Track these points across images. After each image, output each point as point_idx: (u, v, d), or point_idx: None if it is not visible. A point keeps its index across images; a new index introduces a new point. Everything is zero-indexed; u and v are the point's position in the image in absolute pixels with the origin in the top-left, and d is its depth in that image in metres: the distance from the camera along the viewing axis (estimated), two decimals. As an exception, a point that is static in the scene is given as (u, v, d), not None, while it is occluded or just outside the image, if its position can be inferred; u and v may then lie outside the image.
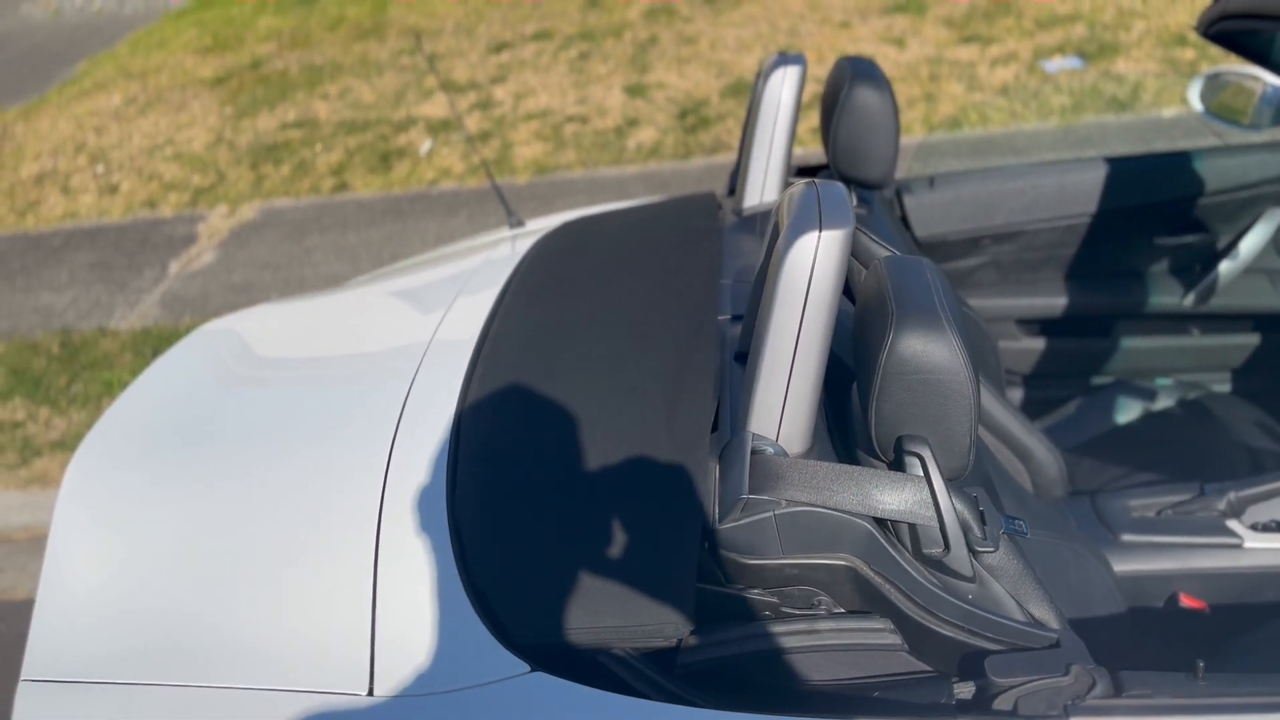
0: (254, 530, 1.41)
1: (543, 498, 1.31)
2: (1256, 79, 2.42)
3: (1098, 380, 2.55)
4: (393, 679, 1.17)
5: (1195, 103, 2.56)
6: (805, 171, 2.32)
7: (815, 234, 1.16)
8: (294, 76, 7.51)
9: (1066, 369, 2.55)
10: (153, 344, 4.35)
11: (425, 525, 1.32)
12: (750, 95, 2.05)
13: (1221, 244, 2.42)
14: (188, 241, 5.38)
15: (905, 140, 5.03)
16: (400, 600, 1.25)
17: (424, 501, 1.35)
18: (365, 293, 2.18)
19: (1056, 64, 5.59)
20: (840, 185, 1.25)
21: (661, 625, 1.14)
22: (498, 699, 1.13)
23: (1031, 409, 2.57)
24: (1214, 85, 2.55)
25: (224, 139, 6.60)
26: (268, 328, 2.11)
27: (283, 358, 1.93)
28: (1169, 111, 4.88)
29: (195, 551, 1.41)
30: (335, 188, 5.69)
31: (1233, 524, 1.79)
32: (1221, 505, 1.82)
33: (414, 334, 1.78)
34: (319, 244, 5.09)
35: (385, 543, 1.31)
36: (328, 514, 1.39)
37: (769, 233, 1.36)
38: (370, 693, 1.17)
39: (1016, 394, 2.60)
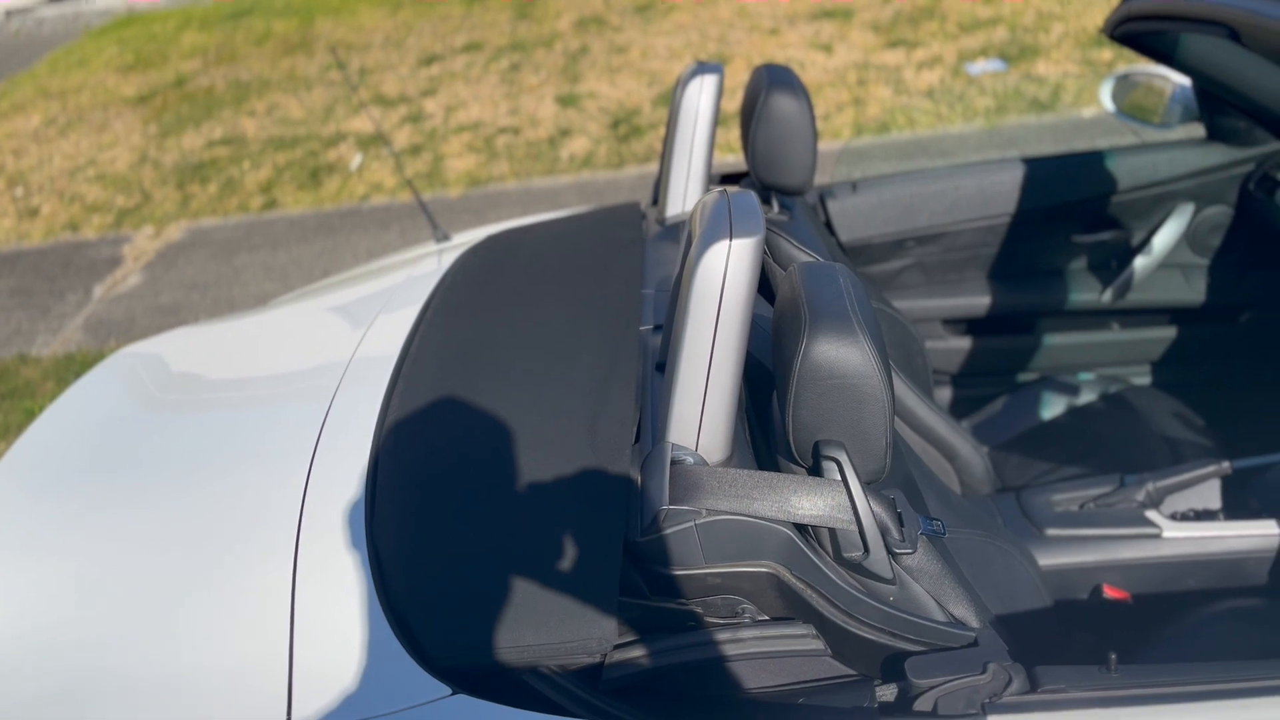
0: (168, 559, 1.37)
1: (464, 516, 1.29)
2: (1166, 79, 2.48)
3: (1023, 377, 2.59)
4: (311, 708, 1.15)
5: (1107, 103, 2.62)
6: (727, 179, 2.33)
7: (726, 243, 1.16)
8: (220, 93, 7.39)
9: (992, 367, 2.59)
10: (76, 370, 4.24)
11: (344, 547, 1.30)
12: (670, 105, 2.05)
13: (1136, 240, 2.48)
14: (112, 264, 5.26)
15: (834, 144, 5.09)
16: (319, 626, 1.22)
17: (343, 523, 1.33)
18: (286, 313, 2.15)
19: (980, 67, 5.70)
20: (751, 193, 1.26)
21: (585, 641, 1.13)
22: (419, 724, 1.11)
23: (959, 407, 2.61)
24: (1125, 85, 2.62)
25: (148, 158, 6.47)
26: (187, 350, 2.06)
27: (202, 381, 1.89)
28: (1089, 111, 5.00)
29: (106, 583, 1.37)
30: (264, 205, 5.61)
31: (1152, 514, 1.83)
32: (1141, 496, 1.86)
33: (334, 353, 1.75)
34: (249, 263, 5.01)
35: (303, 567, 1.29)
36: (244, 540, 1.36)
37: (683, 243, 1.37)
38: (288, 723, 1.14)
39: (945, 393, 2.64)
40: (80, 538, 1.47)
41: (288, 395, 1.72)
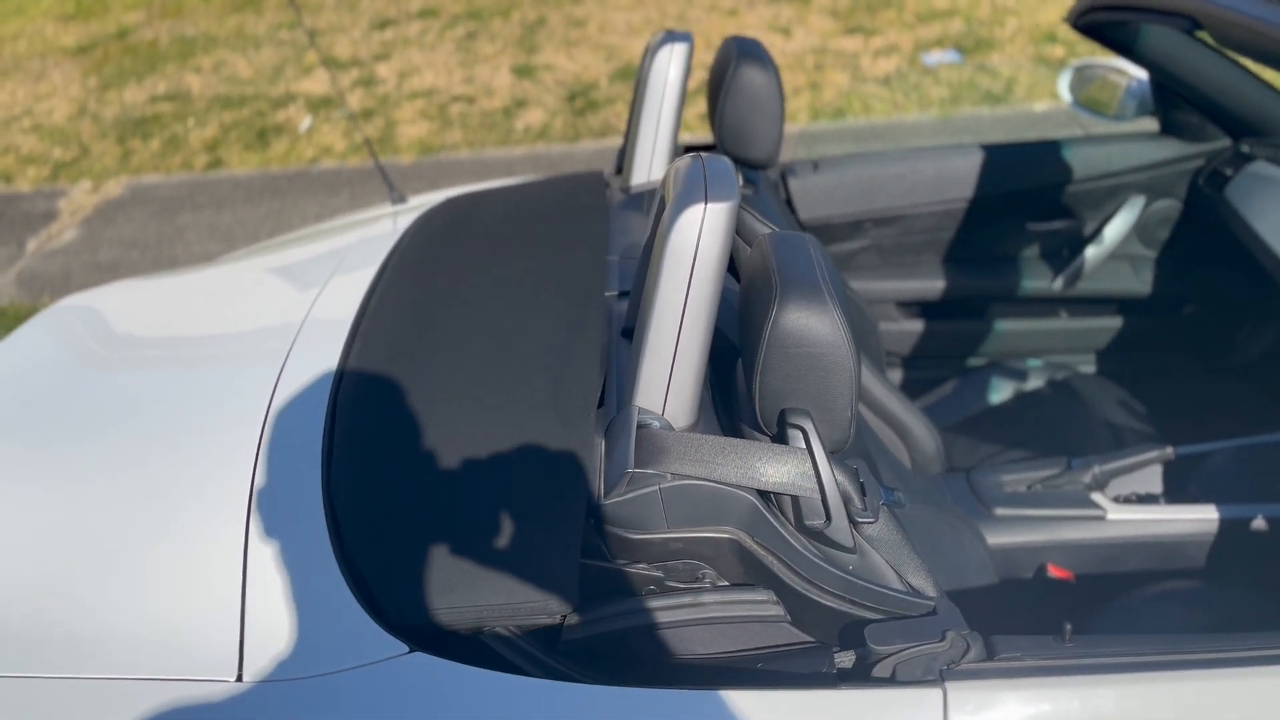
0: (114, 515, 1.33)
1: (423, 477, 1.27)
2: (1122, 72, 2.52)
3: (973, 361, 2.63)
4: (263, 663, 1.12)
5: (1064, 94, 2.65)
6: (693, 150, 2.31)
7: (701, 206, 1.15)
8: (164, 48, 7.18)
9: (943, 350, 2.62)
10: (8, 325, 4.10)
11: (299, 506, 1.27)
12: (637, 73, 2.04)
13: (1088, 230, 2.52)
14: (47, 218, 5.10)
15: (790, 128, 5.10)
16: (272, 583, 1.19)
17: (297, 482, 1.30)
18: (236, 269, 2.09)
19: (936, 57, 5.75)
20: (725, 159, 1.25)
21: (545, 602, 1.12)
22: (375, 680, 1.09)
23: (910, 389, 2.63)
24: (1082, 77, 2.66)
25: (88, 111, 6.27)
26: (131, 304, 2.00)
27: (147, 336, 1.83)
28: (1040, 105, 5.07)
29: (51, 540, 1.32)
30: (209, 164, 5.47)
31: (1097, 497, 1.87)
32: (1086, 479, 1.90)
33: (288, 312, 1.71)
34: (192, 222, 4.88)
35: (256, 525, 1.26)
36: (195, 497, 1.33)
37: (655, 207, 1.35)
38: (239, 678, 1.12)
39: (896, 374, 2.66)
40: (23, 492, 1.41)
41: (240, 353, 1.67)
